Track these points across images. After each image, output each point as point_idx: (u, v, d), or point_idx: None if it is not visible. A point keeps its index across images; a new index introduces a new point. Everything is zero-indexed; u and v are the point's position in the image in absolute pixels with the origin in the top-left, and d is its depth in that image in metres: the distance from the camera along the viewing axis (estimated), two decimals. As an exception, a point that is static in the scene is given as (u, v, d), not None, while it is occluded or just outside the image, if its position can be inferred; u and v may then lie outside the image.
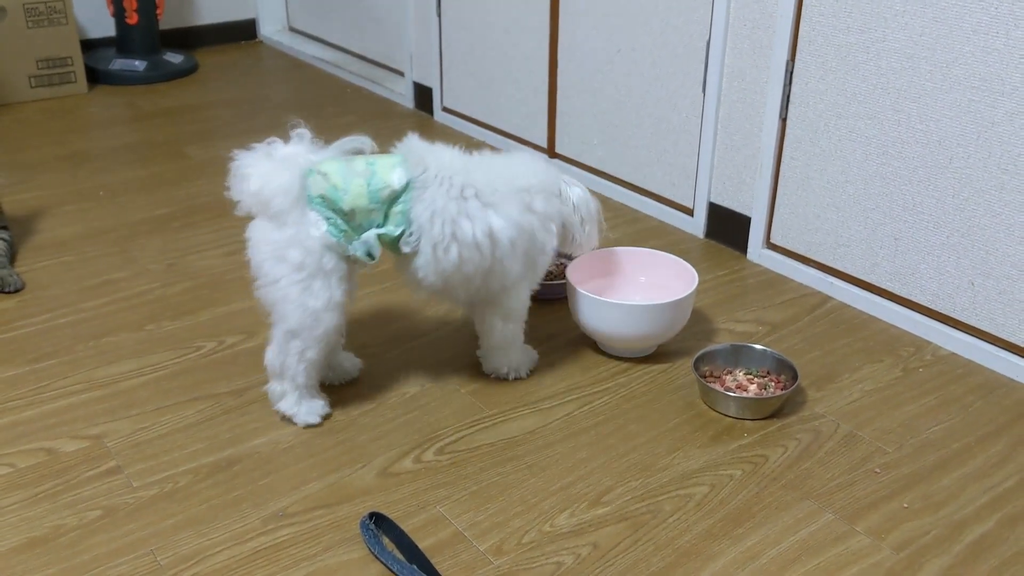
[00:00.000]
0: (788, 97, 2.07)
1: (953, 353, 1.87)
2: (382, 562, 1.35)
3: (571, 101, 2.67)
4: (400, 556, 1.36)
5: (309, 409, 1.64)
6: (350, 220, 1.54)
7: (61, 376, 1.78)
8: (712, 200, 2.33)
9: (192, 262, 2.23)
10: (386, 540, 1.39)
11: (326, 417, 1.65)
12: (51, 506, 1.46)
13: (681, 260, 1.91)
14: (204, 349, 1.88)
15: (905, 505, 1.47)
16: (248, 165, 1.55)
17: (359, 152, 1.60)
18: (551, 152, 2.79)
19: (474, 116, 3.07)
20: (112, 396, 1.72)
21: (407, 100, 3.38)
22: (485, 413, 1.68)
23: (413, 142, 1.61)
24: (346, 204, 1.53)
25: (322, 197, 1.53)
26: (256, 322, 1.97)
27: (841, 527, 1.43)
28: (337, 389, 1.74)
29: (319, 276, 1.53)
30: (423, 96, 3.29)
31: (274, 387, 1.64)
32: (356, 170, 1.55)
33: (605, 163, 2.61)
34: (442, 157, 1.60)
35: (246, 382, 1.77)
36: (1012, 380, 1.78)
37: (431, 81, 3.22)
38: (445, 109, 3.19)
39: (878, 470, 1.55)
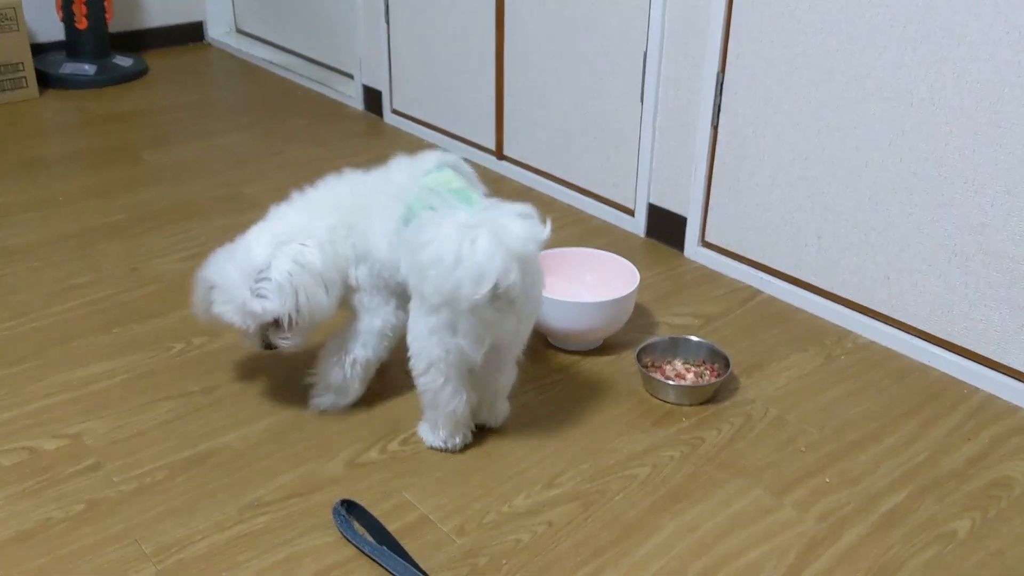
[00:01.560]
0: (719, 106, 2.22)
1: (872, 341, 2.04)
2: (354, 545, 1.46)
3: (518, 105, 2.79)
4: (371, 539, 1.47)
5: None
6: None
7: (36, 379, 1.85)
8: (651, 201, 2.48)
9: (154, 266, 2.31)
10: (357, 525, 1.50)
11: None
12: (37, 501, 1.54)
13: (623, 259, 2.05)
14: (173, 350, 1.97)
15: (827, 480, 1.63)
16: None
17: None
18: (499, 154, 2.92)
19: (423, 119, 3.18)
20: (87, 397, 1.81)
21: (357, 102, 3.47)
22: (444, 405, 1.80)
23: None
24: None
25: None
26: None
27: (769, 501, 1.58)
28: (298, 391, 1.85)
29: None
30: (373, 99, 3.39)
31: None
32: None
33: (552, 166, 2.75)
34: None
35: (214, 381, 1.86)
36: (925, 365, 1.96)
37: (380, 84, 3.32)
38: (395, 111, 3.29)
39: (803, 449, 1.70)
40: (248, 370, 1.90)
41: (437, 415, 1.63)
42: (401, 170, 1.72)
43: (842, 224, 2.05)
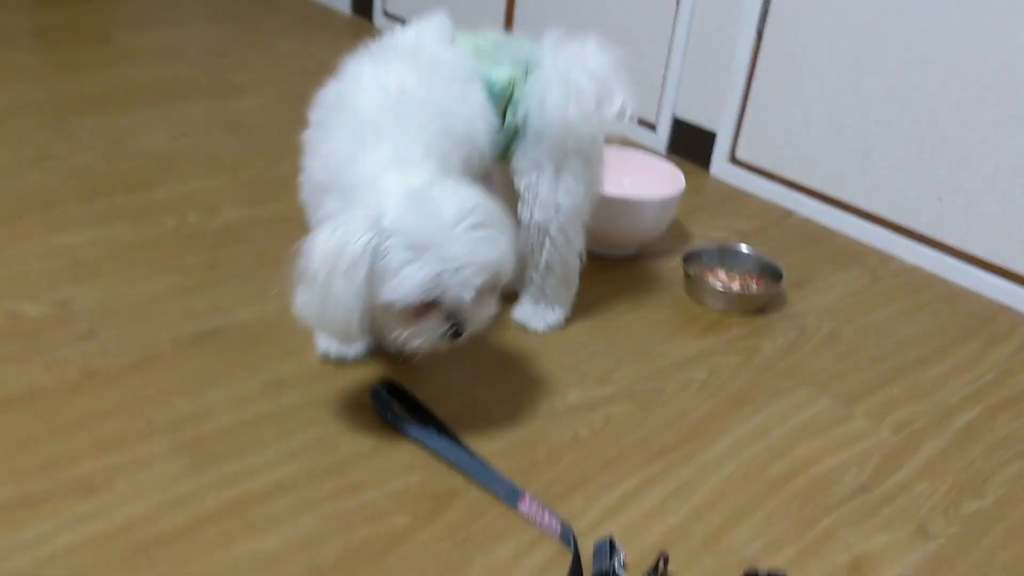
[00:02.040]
0: (767, 10, 2.08)
1: (916, 266, 1.94)
2: (397, 427, 1.30)
3: (531, 6, 2.61)
4: (413, 421, 1.31)
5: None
6: None
7: (14, 243, 1.63)
8: (676, 115, 2.33)
9: (136, 141, 2.08)
10: (397, 407, 1.33)
11: None
12: (23, 366, 1.34)
13: (664, 161, 1.90)
14: (166, 225, 1.76)
15: (896, 393, 1.52)
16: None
17: None
18: (505, 64, 2.74)
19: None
20: (73, 265, 1.59)
21: (344, 5, 3.24)
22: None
23: None
24: None
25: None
26: (220, 202, 1.86)
27: (840, 410, 1.46)
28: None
29: None
30: (362, 1, 3.17)
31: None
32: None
33: (564, 76, 2.58)
34: None
35: (217, 257, 1.67)
36: (973, 291, 1.86)
37: (373, -14, 3.10)
38: (387, 14, 3.08)
39: (866, 362, 1.59)
40: (254, 249, 1.71)
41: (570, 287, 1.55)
42: (435, 49, 1.38)
43: (893, 141, 1.94)
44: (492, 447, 1.29)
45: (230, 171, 2.00)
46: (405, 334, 1.16)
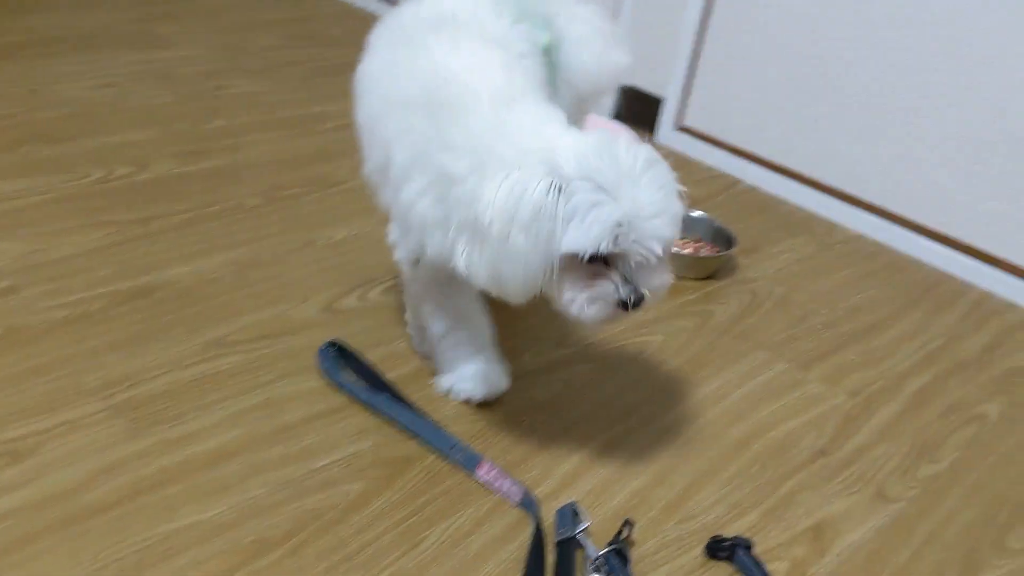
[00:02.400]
0: (719, -27, 2.05)
1: (861, 234, 1.94)
2: (346, 390, 1.23)
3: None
4: (364, 386, 1.25)
5: None
6: None
7: (-77, 191, 1.51)
8: (623, 81, 2.29)
9: (59, 91, 1.96)
10: (345, 373, 1.27)
11: None
12: (-63, 323, 1.24)
13: (612, 120, 1.86)
14: (94, 176, 1.65)
15: (852, 358, 1.51)
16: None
17: None
18: (447, 23, 2.66)
19: (358, -19, 2.87)
20: (-9, 216, 1.48)
21: (278, -40, 3.11)
22: (423, 259, 1.58)
23: None
24: None
25: None
26: (150, 155, 1.76)
27: (796, 374, 1.45)
28: (249, 229, 1.58)
29: None
30: (298, -44, 3.05)
31: None
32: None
33: (508, 36, 2.51)
34: None
35: (148, 212, 1.57)
36: (918, 260, 1.87)
37: (309, -60, 2.98)
38: (323, -28, 2.97)
39: (819, 327, 1.58)
40: (188, 204, 1.62)
41: None
42: (494, 21, 1.22)
43: (844, 109, 1.93)
44: (446, 411, 1.24)
45: (160, 124, 1.89)
46: (580, 298, 1.01)
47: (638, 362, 1.41)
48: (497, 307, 1.44)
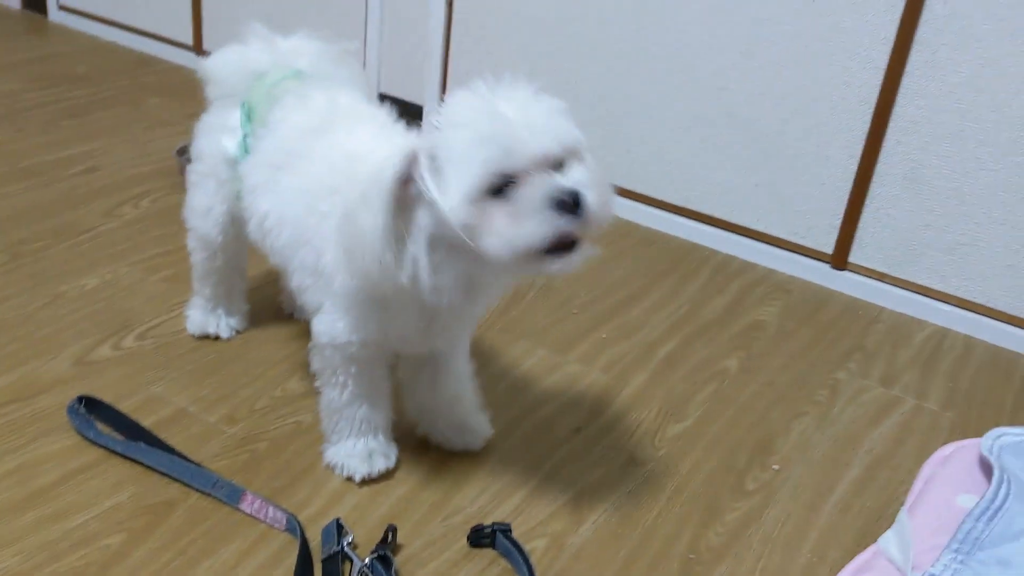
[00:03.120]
0: (453, -20, 2.12)
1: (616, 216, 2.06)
2: (100, 445, 1.22)
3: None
4: (120, 437, 1.23)
5: (207, 320, 1.47)
6: None
7: None
8: (382, 91, 2.33)
9: None
10: (101, 425, 1.25)
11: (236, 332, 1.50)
12: None
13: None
14: None
15: (604, 336, 1.61)
16: (232, 46, 1.34)
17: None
18: (199, 49, 2.62)
19: (101, 14, 2.78)
20: None
21: (12, 0, 2.97)
22: (183, 298, 1.56)
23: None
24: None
25: (250, 107, 1.27)
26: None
27: (555, 359, 1.53)
28: (0, 285, 1.53)
29: (211, 178, 1.32)
30: (34, -7, 2.92)
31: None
32: (273, 93, 1.25)
33: (263, 58, 2.50)
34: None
35: None
36: (666, 233, 2.01)
37: (43, -25, 2.86)
38: (63, 8, 2.86)
39: (576, 311, 1.68)
40: (-79, 273, 1.54)
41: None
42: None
43: (585, 97, 2.04)
44: (209, 450, 1.24)
45: None
46: (513, 234, 0.94)
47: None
48: (252, 343, 1.45)
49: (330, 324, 1.13)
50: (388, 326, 1.11)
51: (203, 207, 1.35)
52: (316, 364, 1.19)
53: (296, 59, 1.32)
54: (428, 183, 0.97)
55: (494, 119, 0.96)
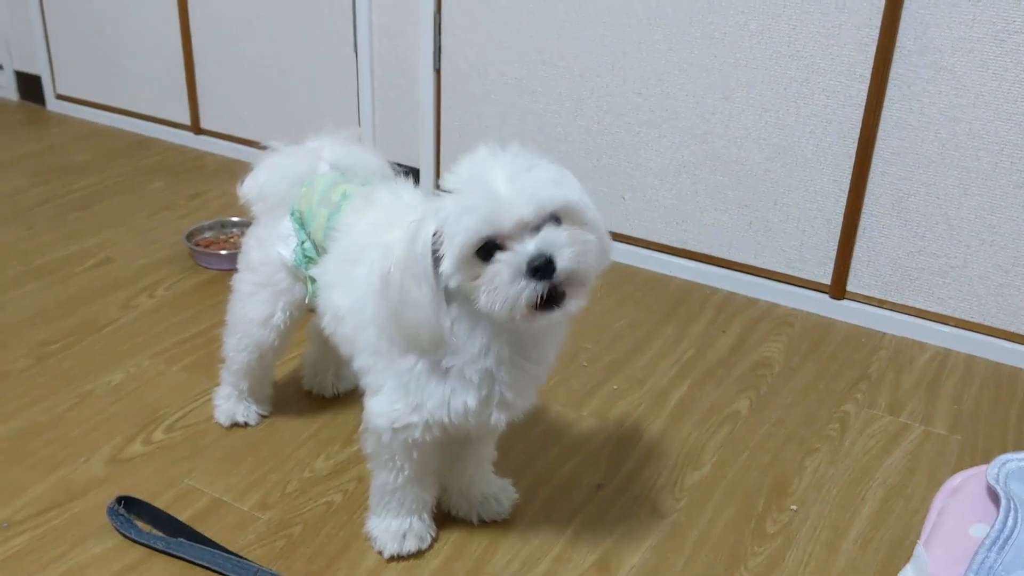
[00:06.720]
0: (439, 48, 2.18)
1: (613, 261, 2.12)
2: (143, 544, 1.26)
3: (212, 72, 2.58)
4: (161, 534, 1.28)
5: (235, 409, 1.52)
6: (317, 247, 1.32)
7: None
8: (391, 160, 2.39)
9: None
10: (141, 523, 1.30)
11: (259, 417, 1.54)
12: None
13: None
14: None
15: (615, 387, 1.66)
16: (266, 160, 1.39)
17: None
18: (196, 128, 2.69)
19: (98, 100, 2.85)
20: None
21: (10, 92, 3.04)
22: (206, 386, 1.61)
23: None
24: (312, 232, 1.32)
25: (300, 214, 1.33)
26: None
27: (570, 415, 1.58)
28: (21, 395, 1.57)
29: (268, 288, 1.37)
30: (30, 85, 2.99)
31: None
32: (330, 198, 1.30)
33: (259, 133, 2.56)
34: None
35: (-91, 403, 1.54)
36: (665, 275, 2.06)
37: (38, 68, 2.93)
38: (60, 96, 2.93)
39: (585, 364, 1.72)
40: (-49, 384, 1.59)
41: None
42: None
43: (575, 151, 2.10)
44: (245, 539, 1.29)
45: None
46: (490, 289, 1.03)
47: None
48: (276, 423, 1.49)
49: (388, 405, 1.16)
50: (448, 400, 1.14)
51: (261, 316, 1.39)
52: (370, 447, 1.23)
53: (325, 154, 1.38)
54: (440, 247, 1.05)
55: (480, 188, 1.04)
